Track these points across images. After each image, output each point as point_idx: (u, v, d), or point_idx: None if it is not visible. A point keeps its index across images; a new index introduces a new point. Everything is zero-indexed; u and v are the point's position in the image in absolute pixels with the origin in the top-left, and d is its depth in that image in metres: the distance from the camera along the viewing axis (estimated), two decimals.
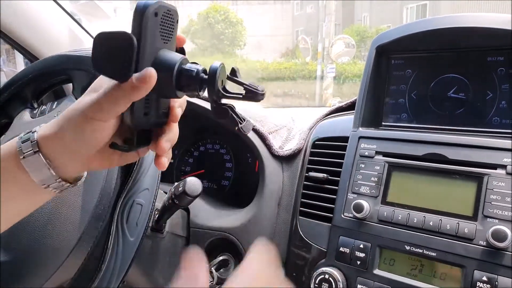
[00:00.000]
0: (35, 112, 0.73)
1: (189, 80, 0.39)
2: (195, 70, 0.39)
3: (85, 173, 0.46)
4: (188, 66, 0.40)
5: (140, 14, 0.37)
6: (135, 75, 0.36)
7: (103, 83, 0.40)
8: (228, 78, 0.41)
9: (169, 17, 0.40)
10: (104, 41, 0.37)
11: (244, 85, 0.40)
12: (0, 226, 0.42)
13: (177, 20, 0.41)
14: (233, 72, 0.41)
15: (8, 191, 0.41)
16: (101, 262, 0.52)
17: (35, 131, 0.41)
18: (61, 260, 0.60)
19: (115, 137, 0.42)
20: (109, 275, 0.52)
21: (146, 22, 0.37)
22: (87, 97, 0.39)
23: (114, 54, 0.37)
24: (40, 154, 0.39)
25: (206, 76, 0.39)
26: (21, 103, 0.77)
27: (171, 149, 0.44)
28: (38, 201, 0.44)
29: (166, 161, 0.43)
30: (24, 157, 0.39)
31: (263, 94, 0.40)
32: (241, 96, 0.40)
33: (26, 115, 0.73)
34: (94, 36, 1.09)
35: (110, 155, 0.43)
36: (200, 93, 0.40)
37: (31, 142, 0.40)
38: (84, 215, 0.62)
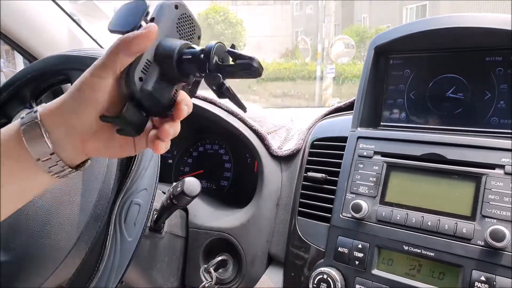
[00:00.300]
0: None
1: (189, 60, 0.40)
2: (197, 49, 0.41)
3: (88, 162, 0.46)
4: (189, 48, 0.41)
5: (162, 2, 0.41)
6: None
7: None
8: (229, 51, 0.41)
9: (189, 23, 0.43)
10: (122, 7, 0.41)
11: (240, 56, 0.40)
12: (0, 210, 0.42)
13: (199, 36, 0.44)
14: (233, 46, 0.42)
15: (8, 169, 0.40)
16: (99, 262, 0.52)
17: (37, 109, 0.41)
18: (60, 260, 0.60)
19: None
20: (107, 274, 0.52)
21: (165, 8, 0.41)
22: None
23: (127, 13, 0.41)
24: (40, 124, 0.39)
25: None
26: (20, 103, 0.77)
27: (169, 140, 0.44)
28: (38, 184, 0.43)
29: (163, 146, 0.43)
30: (24, 129, 0.40)
31: (258, 66, 0.40)
32: (233, 64, 0.41)
33: None
34: (93, 36, 1.09)
35: (107, 140, 0.43)
36: (201, 74, 0.41)
37: (33, 112, 0.40)
38: (83, 215, 0.62)
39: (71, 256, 0.60)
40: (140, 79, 0.39)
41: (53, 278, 0.60)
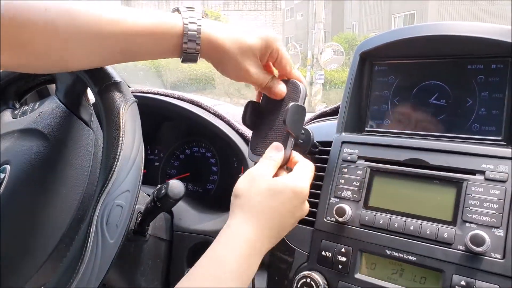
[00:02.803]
0: (16, 112, 0.72)
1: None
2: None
3: None
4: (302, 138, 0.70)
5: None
6: None
7: None
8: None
9: None
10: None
11: None
12: None
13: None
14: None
15: None
16: (80, 264, 0.51)
17: None
18: (42, 261, 0.59)
19: None
20: (88, 276, 0.51)
21: None
22: None
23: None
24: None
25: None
26: (3, 103, 0.76)
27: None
28: None
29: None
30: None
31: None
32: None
33: (7, 115, 0.72)
34: None
35: None
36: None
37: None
38: (66, 216, 0.62)
39: (53, 257, 0.59)
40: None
41: (34, 279, 0.59)
